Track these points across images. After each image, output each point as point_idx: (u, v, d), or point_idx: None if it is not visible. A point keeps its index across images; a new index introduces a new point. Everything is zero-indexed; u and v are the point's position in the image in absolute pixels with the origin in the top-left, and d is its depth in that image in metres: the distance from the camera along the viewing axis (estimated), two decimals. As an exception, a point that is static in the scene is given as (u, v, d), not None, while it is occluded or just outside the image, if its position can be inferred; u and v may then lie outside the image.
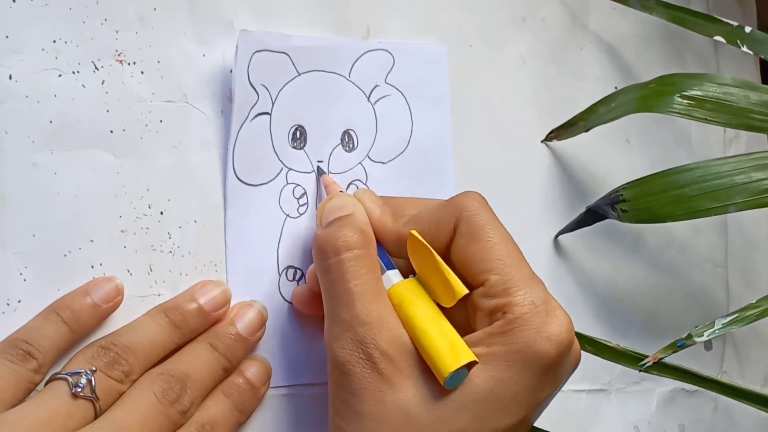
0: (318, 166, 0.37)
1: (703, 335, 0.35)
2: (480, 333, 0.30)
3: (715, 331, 0.35)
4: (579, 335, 0.32)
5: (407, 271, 0.32)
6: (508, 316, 0.29)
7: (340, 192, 0.35)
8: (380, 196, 0.35)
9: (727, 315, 0.35)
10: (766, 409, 0.36)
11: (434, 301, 0.31)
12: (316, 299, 0.33)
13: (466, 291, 0.30)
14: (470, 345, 0.30)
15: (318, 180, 0.37)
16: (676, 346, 0.35)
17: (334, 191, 0.35)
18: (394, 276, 0.32)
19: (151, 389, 0.30)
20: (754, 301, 0.35)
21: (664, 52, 0.49)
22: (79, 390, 0.29)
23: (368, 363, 0.29)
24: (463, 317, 0.32)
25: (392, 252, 0.33)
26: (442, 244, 0.32)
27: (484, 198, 0.32)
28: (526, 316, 0.29)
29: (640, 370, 0.37)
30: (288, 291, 0.36)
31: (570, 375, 0.31)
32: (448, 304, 0.30)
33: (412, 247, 0.31)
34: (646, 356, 0.36)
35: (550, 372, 0.30)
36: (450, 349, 0.29)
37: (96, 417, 0.30)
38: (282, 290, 0.36)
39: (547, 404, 0.31)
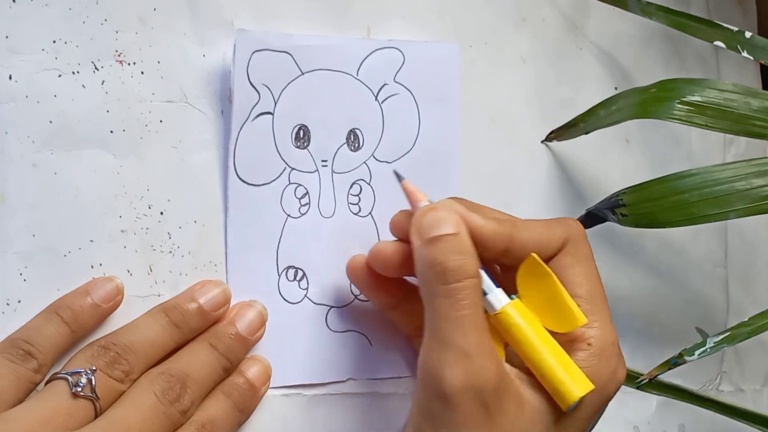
0: (395, 171, 0.35)
1: (693, 354, 0.35)
2: None
3: (706, 350, 0.35)
4: None
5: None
6: (593, 351, 0.30)
7: (434, 203, 0.33)
8: (459, 199, 0.34)
9: (720, 333, 0.35)
10: (764, 429, 0.36)
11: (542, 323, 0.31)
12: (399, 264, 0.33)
13: (586, 321, 0.30)
14: None
15: (398, 181, 0.35)
16: (671, 365, 0.35)
17: (422, 199, 0.33)
18: (502, 296, 0.31)
19: (151, 389, 0.30)
20: (746, 319, 0.36)
21: (664, 54, 0.49)
22: (79, 389, 0.29)
23: (479, 398, 0.28)
24: None
25: (492, 258, 0.32)
26: (543, 259, 0.32)
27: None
28: (607, 354, 0.30)
29: (637, 388, 0.37)
30: (288, 291, 0.36)
31: None
32: (560, 330, 0.30)
33: (529, 267, 0.31)
34: (642, 374, 0.37)
35: (601, 409, 0.31)
36: (571, 376, 0.29)
37: (96, 416, 0.30)
38: (282, 290, 0.36)
39: None
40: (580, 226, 0.33)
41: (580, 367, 0.30)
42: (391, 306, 0.36)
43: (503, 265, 0.33)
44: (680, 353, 0.35)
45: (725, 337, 0.35)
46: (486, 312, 0.31)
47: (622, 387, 0.44)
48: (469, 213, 0.32)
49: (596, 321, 0.31)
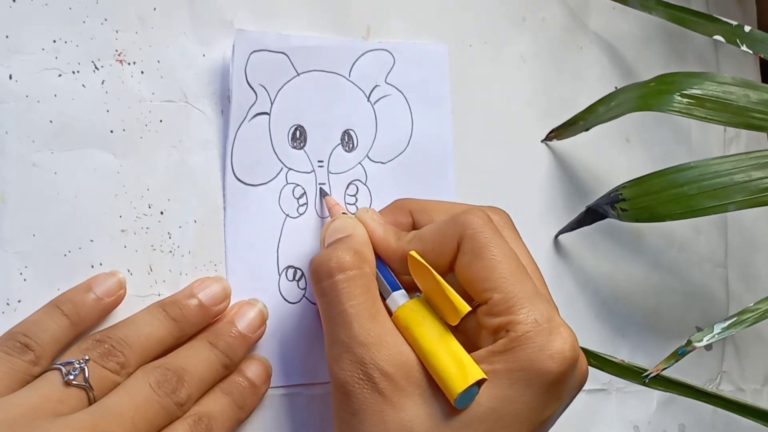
0: (320, 188, 0.37)
1: (702, 340, 0.35)
2: (483, 351, 0.30)
3: (714, 335, 0.35)
4: (583, 350, 0.32)
5: (417, 288, 0.32)
6: (511, 335, 0.30)
7: (342, 214, 0.35)
8: (403, 199, 0.36)
9: (726, 319, 0.35)
10: (764, 423, 0.36)
11: (441, 319, 0.31)
12: None
13: (468, 309, 0.30)
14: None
15: (320, 199, 0.37)
16: (678, 355, 0.35)
17: (337, 213, 0.35)
18: (399, 297, 0.32)
19: (146, 379, 0.30)
20: (752, 304, 0.36)
21: (664, 52, 0.49)
22: (72, 378, 0.29)
23: (368, 383, 0.29)
24: (470, 335, 0.32)
25: (398, 270, 0.33)
26: (446, 262, 0.32)
27: (488, 215, 0.32)
28: (528, 334, 0.29)
29: (644, 384, 0.37)
30: (288, 291, 0.36)
31: (577, 391, 0.31)
32: (453, 322, 0.30)
33: (413, 267, 0.31)
34: (648, 369, 0.36)
35: (553, 389, 0.30)
36: (458, 368, 0.29)
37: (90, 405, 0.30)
38: (282, 290, 0.36)
39: (554, 421, 0.31)
40: (477, 215, 0.31)
41: (499, 353, 0.29)
42: None
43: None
44: (688, 340, 0.35)
45: (732, 323, 0.35)
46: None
47: (622, 387, 0.44)
48: (372, 228, 0.34)
49: (514, 306, 0.30)
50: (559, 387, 0.30)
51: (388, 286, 0.32)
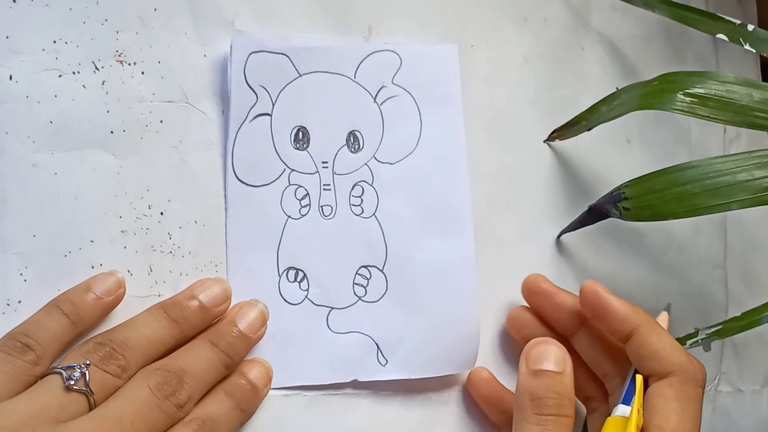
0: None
1: (685, 344, 0.37)
2: None
3: (697, 341, 0.37)
4: None
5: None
6: None
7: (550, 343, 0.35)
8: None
9: (712, 326, 0.37)
10: None
11: None
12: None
13: None
14: None
15: None
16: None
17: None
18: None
19: (146, 383, 0.30)
20: (739, 314, 0.37)
21: (664, 52, 0.49)
22: (73, 383, 0.29)
23: None
24: None
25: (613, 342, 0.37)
26: (645, 375, 0.35)
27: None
28: None
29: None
30: (288, 292, 0.36)
31: None
32: None
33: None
34: None
35: None
36: None
37: (90, 410, 0.29)
38: (282, 291, 0.36)
39: None
40: (699, 371, 0.34)
41: None
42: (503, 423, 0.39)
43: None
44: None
45: (716, 331, 0.37)
46: None
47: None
48: (608, 294, 0.36)
49: None
50: None
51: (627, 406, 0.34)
